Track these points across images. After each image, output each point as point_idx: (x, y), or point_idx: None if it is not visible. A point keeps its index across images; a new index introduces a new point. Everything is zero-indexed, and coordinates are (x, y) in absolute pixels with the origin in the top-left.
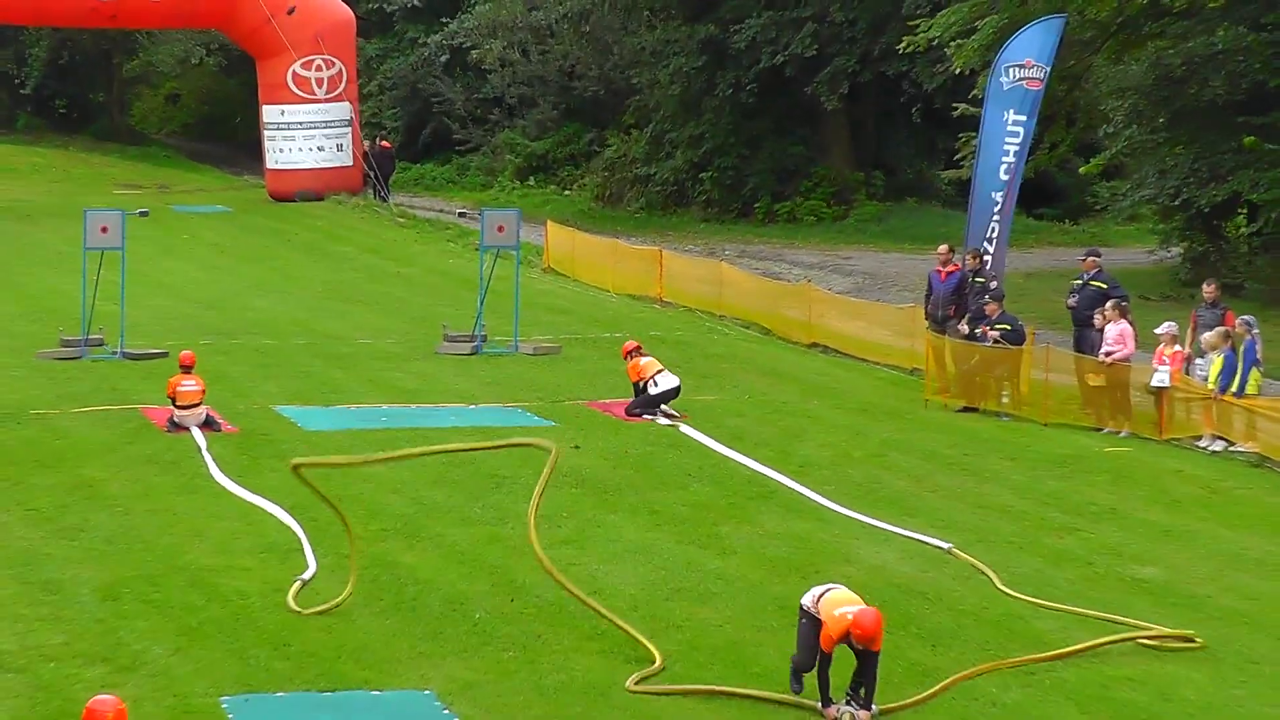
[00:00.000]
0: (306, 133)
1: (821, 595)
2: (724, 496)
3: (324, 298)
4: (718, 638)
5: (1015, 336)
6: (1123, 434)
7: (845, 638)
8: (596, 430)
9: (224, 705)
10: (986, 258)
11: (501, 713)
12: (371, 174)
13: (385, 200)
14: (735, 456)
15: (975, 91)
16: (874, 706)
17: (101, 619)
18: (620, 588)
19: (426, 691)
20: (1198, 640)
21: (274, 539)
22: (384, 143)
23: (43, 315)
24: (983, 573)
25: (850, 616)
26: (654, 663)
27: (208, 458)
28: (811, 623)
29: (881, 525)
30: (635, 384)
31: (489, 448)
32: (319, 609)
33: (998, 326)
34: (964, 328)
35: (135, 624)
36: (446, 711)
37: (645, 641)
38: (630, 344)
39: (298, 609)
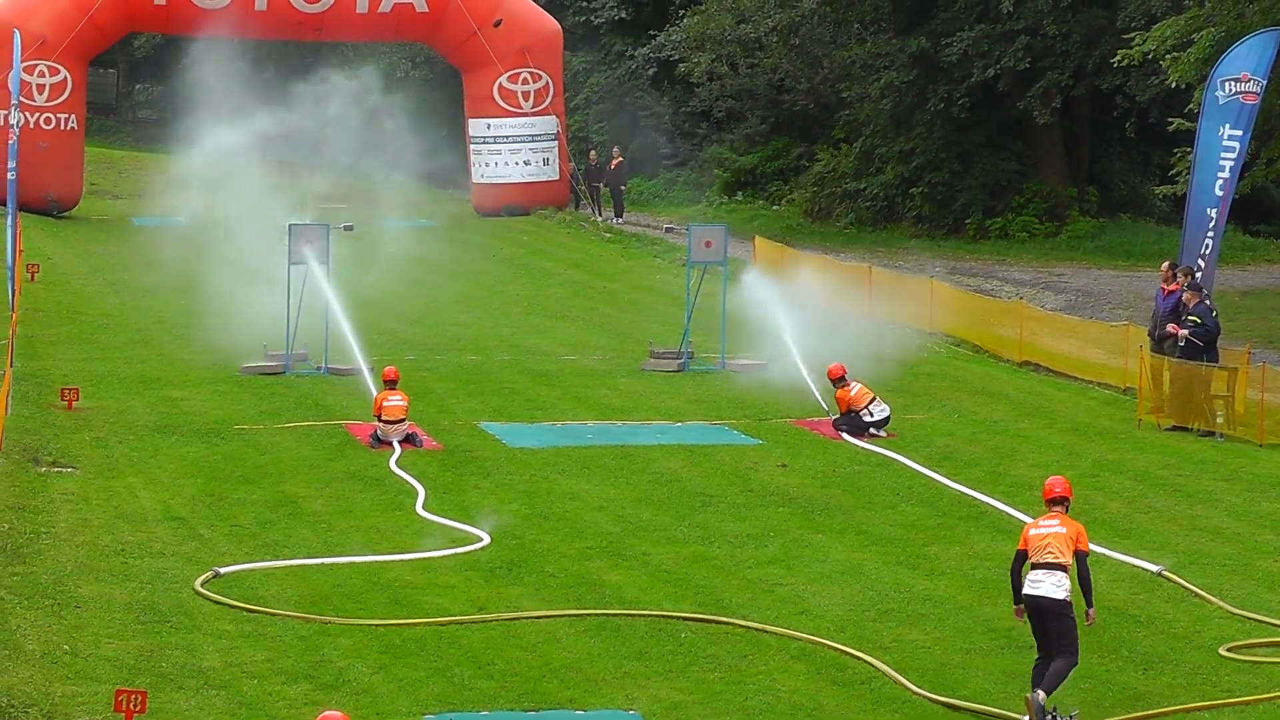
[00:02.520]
0: (513, 146)
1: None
2: (934, 517)
3: (528, 313)
4: (926, 660)
5: (1205, 334)
6: None
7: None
8: (804, 449)
9: None
10: (1197, 275)
11: None
12: (593, 193)
13: (620, 216)
14: (941, 479)
15: (1191, 106)
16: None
17: (304, 636)
18: (827, 608)
19: (631, 712)
20: None
21: (478, 557)
22: (618, 158)
23: (245, 330)
24: (1199, 595)
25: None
26: None
27: (394, 468)
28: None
29: (1092, 548)
30: (845, 412)
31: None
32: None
33: (1189, 318)
34: (1170, 329)
35: (338, 641)
36: None
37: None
38: (838, 369)
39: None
